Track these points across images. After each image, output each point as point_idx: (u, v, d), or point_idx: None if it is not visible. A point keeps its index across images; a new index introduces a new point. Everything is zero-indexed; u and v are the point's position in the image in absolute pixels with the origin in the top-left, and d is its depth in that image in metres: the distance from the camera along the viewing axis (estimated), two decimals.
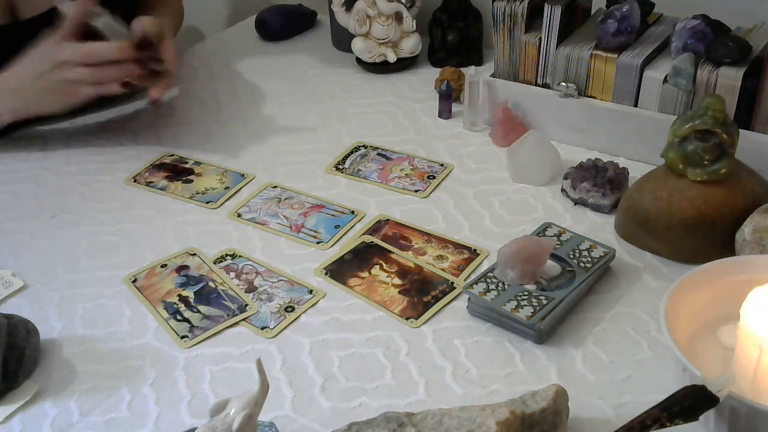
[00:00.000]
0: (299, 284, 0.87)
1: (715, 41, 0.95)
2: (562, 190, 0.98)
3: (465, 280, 0.86)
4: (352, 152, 1.09)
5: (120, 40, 1.01)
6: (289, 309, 0.84)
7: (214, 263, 0.90)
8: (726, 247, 0.83)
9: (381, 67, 1.28)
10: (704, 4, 1.00)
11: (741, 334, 0.66)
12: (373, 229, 0.95)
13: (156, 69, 1.04)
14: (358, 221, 0.96)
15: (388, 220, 0.96)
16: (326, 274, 0.88)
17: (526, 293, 0.79)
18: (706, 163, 0.84)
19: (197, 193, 1.03)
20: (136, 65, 1.02)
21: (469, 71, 1.10)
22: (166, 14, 1.21)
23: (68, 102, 1.05)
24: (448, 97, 1.15)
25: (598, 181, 0.95)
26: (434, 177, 1.03)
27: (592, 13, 1.11)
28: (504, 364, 0.76)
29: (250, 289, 0.86)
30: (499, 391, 0.73)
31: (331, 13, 1.30)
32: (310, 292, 0.86)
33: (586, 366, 0.75)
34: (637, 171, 0.96)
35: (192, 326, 0.82)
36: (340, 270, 0.89)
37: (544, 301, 0.78)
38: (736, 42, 0.94)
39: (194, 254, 0.92)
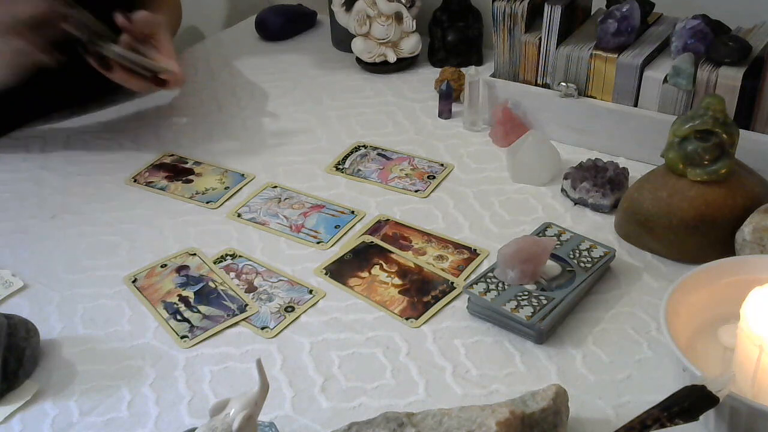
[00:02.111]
0: (299, 284, 0.87)
1: (715, 41, 0.95)
2: (562, 190, 0.98)
3: (465, 280, 0.86)
4: (352, 152, 1.09)
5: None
6: (289, 309, 0.84)
7: (214, 263, 0.90)
8: (726, 247, 0.83)
9: (381, 67, 1.28)
10: (704, 4, 1.00)
11: (741, 334, 0.66)
12: (373, 229, 0.95)
13: (152, 68, 1.04)
14: (358, 221, 0.96)
15: (388, 220, 0.96)
16: (326, 274, 0.88)
17: (526, 293, 0.79)
18: (706, 163, 0.84)
19: (197, 193, 1.03)
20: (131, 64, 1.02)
21: (469, 71, 1.10)
22: (164, 12, 1.21)
23: (12, 70, 1.02)
24: (448, 97, 1.15)
25: (598, 181, 0.95)
26: (434, 177, 1.03)
27: (592, 13, 1.11)
28: (504, 364, 0.76)
29: (250, 289, 0.86)
30: (499, 391, 0.73)
31: (331, 13, 1.30)
32: (310, 292, 0.86)
33: (586, 366, 0.75)
34: (637, 171, 0.96)
35: (192, 326, 0.82)
36: (340, 270, 0.89)
37: (544, 301, 0.78)
38: (736, 42, 0.94)
39: (194, 254, 0.92)
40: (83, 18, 1.00)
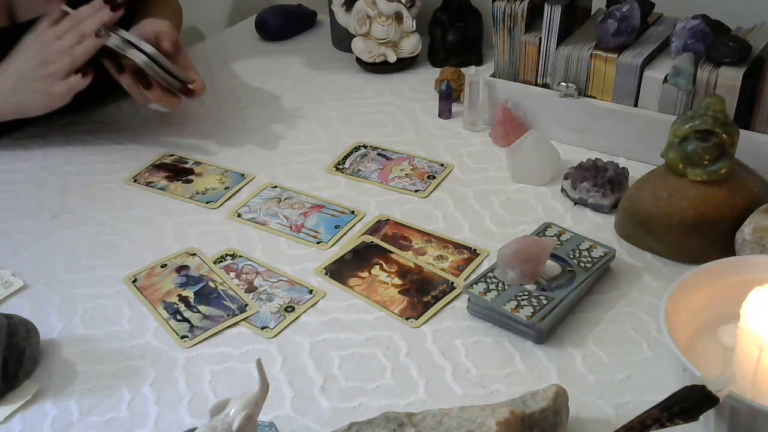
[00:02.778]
0: (299, 284, 0.87)
1: (715, 41, 0.95)
2: (562, 190, 0.98)
3: (465, 280, 0.86)
4: (352, 152, 1.09)
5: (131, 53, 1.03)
6: (289, 309, 0.84)
7: (214, 263, 0.90)
8: (726, 247, 0.83)
9: (381, 67, 1.28)
10: (704, 4, 1.00)
11: (741, 334, 0.66)
12: (373, 229, 0.95)
13: (181, 79, 1.06)
14: (358, 221, 0.96)
15: (388, 220, 0.96)
16: (326, 274, 0.88)
17: (526, 293, 0.79)
18: (706, 163, 0.84)
19: (197, 193, 1.03)
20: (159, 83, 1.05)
21: (469, 71, 1.10)
22: (167, 15, 1.21)
23: (47, 103, 1.04)
24: (448, 97, 1.15)
25: (598, 181, 0.95)
26: (434, 177, 1.03)
27: (592, 13, 1.11)
28: (504, 364, 0.76)
29: (250, 289, 0.86)
30: (499, 391, 0.73)
31: (331, 13, 1.30)
32: (310, 292, 0.86)
33: (586, 366, 0.75)
34: (637, 171, 0.96)
35: (192, 326, 0.82)
36: (340, 270, 0.89)
37: (544, 301, 0.78)
38: (736, 42, 0.94)
39: (194, 254, 0.92)
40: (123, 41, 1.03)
